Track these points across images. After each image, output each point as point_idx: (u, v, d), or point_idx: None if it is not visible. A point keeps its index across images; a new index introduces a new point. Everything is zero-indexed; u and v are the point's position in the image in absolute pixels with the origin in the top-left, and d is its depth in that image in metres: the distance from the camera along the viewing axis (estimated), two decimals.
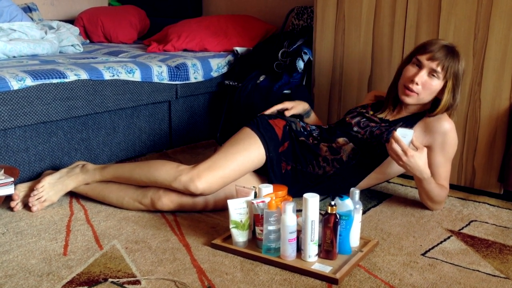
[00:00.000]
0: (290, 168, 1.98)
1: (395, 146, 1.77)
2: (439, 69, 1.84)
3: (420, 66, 1.88)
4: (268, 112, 2.13)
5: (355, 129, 2.00)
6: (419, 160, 1.78)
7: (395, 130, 1.80)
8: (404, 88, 1.91)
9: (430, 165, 1.86)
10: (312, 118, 2.25)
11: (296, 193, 1.92)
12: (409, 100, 1.91)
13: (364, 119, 2.02)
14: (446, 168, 1.93)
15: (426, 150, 1.80)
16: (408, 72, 1.91)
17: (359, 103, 2.22)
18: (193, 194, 1.84)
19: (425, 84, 1.87)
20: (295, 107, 2.17)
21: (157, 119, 2.67)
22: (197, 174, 1.81)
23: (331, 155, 1.96)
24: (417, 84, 1.87)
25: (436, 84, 1.86)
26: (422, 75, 1.86)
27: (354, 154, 1.95)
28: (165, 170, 1.85)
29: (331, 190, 1.97)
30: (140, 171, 1.90)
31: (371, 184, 2.05)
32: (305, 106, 2.22)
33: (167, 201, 1.86)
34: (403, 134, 1.78)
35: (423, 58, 1.87)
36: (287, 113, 2.15)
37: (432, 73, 1.85)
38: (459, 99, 1.91)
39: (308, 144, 1.99)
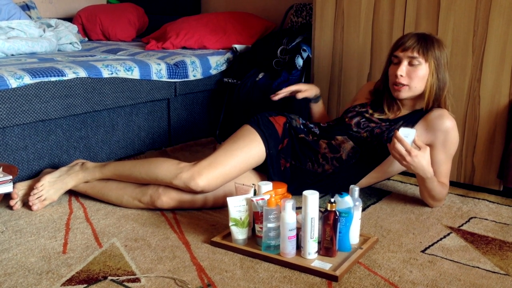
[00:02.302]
0: (289, 165, 1.98)
1: (398, 146, 1.76)
2: (415, 54, 1.85)
3: (398, 61, 1.89)
4: (282, 92, 2.14)
5: (355, 129, 1.99)
6: (422, 160, 1.77)
7: (397, 129, 1.79)
8: (394, 86, 1.92)
9: (432, 162, 1.85)
10: (320, 105, 2.26)
11: (294, 190, 1.92)
12: (402, 94, 1.91)
13: (364, 120, 2.01)
14: (447, 165, 1.93)
15: (429, 149, 1.80)
16: (391, 71, 1.93)
17: (356, 98, 2.21)
18: (193, 192, 1.84)
19: (410, 74, 1.88)
20: (308, 91, 2.18)
21: (156, 117, 2.67)
22: (198, 171, 1.81)
23: (331, 153, 1.95)
24: (401, 76, 1.87)
25: (421, 70, 1.87)
26: (403, 67, 1.88)
27: (354, 153, 1.94)
28: (165, 168, 1.85)
29: (330, 189, 1.97)
30: (140, 169, 1.90)
31: (371, 183, 2.05)
32: (317, 91, 2.23)
33: (167, 199, 1.86)
34: (405, 134, 1.77)
35: (398, 52, 1.89)
36: (300, 95, 2.14)
37: (412, 61, 1.87)
38: (447, 82, 1.90)
39: (308, 141, 1.98)
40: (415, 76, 1.87)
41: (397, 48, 1.90)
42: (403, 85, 1.89)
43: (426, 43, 1.86)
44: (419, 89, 1.90)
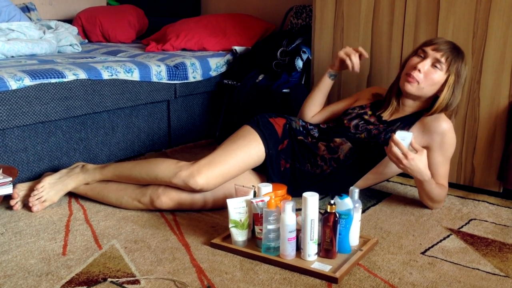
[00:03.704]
0: (289, 166, 1.98)
1: (395, 149, 1.76)
2: (443, 59, 1.85)
3: (424, 56, 1.88)
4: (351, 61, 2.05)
5: (353, 131, 1.99)
6: (419, 163, 1.77)
7: (394, 132, 1.79)
8: (406, 76, 1.90)
9: (429, 165, 1.86)
10: (330, 84, 2.18)
11: (293, 191, 1.92)
12: (409, 87, 1.89)
13: (362, 122, 2.01)
14: (445, 167, 1.93)
15: (426, 152, 1.80)
16: (412, 61, 1.91)
17: (357, 98, 2.20)
18: (193, 190, 1.84)
19: (427, 74, 1.86)
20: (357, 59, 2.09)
21: (156, 119, 2.67)
22: (197, 170, 1.81)
23: (329, 154, 1.96)
24: (419, 71, 1.86)
25: (438, 76, 1.86)
26: (425, 63, 1.86)
27: (351, 154, 1.95)
28: (165, 166, 1.85)
29: (329, 189, 1.97)
30: (140, 169, 1.90)
31: (369, 184, 2.05)
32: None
33: (166, 199, 1.86)
34: (402, 137, 1.77)
35: (428, 49, 1.88)
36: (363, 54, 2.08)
37: (435, 63, 1.86)
38: (458, 99, 1.91)
39: (306, 143, 1.99)
40: (430, 78, 1.86)
41: (429, 44, 1.89)
42: (416, 80, 1.87)
43: (458, 55, 1.87)
44: (425, 92, 1.90)
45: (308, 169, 1.97)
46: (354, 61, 2.06)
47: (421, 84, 1.88)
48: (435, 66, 1.86)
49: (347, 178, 1.97)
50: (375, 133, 1.95)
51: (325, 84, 2.17)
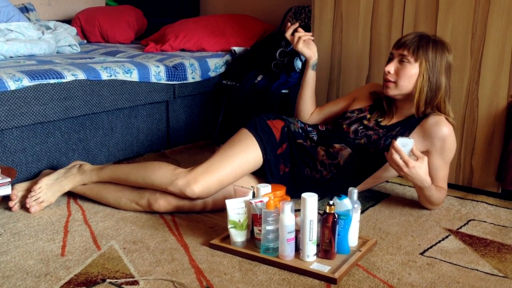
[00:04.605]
0: (288, 170, 1.97)
1: (396, 156, 1.76)
2: (405, 52, 1.85)
3: (392, 58, 1.91)
4: (289, 31, 2.19)
5: (352, 136, 1.99)
6: (420, 171, 1.77)
7: (395, 139, 1.78)
8: (384, 83, 1.93)
9: (429, 168, 1.85)
10: (314, 76, 2.20)
11: (292, 195, 1.92)
12: (389, 91, 1.91)
13: (362, 127, 2.00)
14: (445, 171, 1.93)
15: (426, 159, 1.79)
16: (384, 68, 1.93)
17: (355, 97, 2.19)
18: (189, 198, 1.83)
19: (398, 71, 1.88)
20: (311, 46, 2.19)
21: (155, 119, 2.67)
22: (194, 178, 1.80)
23: (328, 160, 1.95)
24: (389, 72, 1.88)
25: (409, 68, 1.86)
26: (392, 64, 1.89)
27: (351, 159, 1.94)
28: (161, 173, 1.83)
29: (328, 193, 1.97)
30: (136, 173, 1.89)
31: (367, 188, 2.05)
32: (316, 57, 2.20)
33: (164, 203, 1.85)
34: (403, 144, 1.76)
35: (393, 50, 1.91)
36: (300, 39, 2.14)
37: (402, 59, 1.87)
38: (442, 86, 1.87)
39: (306, 147, 1.98)
40: (402, 74, 1.87)
41: (394, 46, 1.92)
42: (391, 82, 1.90)
43: (420, 42, 1.85)
44: (406, 88, 1.89)
45: (308, 174, 1.96)
46: (302, 34, 2.15)
47: (398, 82, 1.88)
48: (402, 61, 1.87)
49: (347, 183, 1.95)
50: (375, 138, 1.95)
51: (310, 77, 2.19)
